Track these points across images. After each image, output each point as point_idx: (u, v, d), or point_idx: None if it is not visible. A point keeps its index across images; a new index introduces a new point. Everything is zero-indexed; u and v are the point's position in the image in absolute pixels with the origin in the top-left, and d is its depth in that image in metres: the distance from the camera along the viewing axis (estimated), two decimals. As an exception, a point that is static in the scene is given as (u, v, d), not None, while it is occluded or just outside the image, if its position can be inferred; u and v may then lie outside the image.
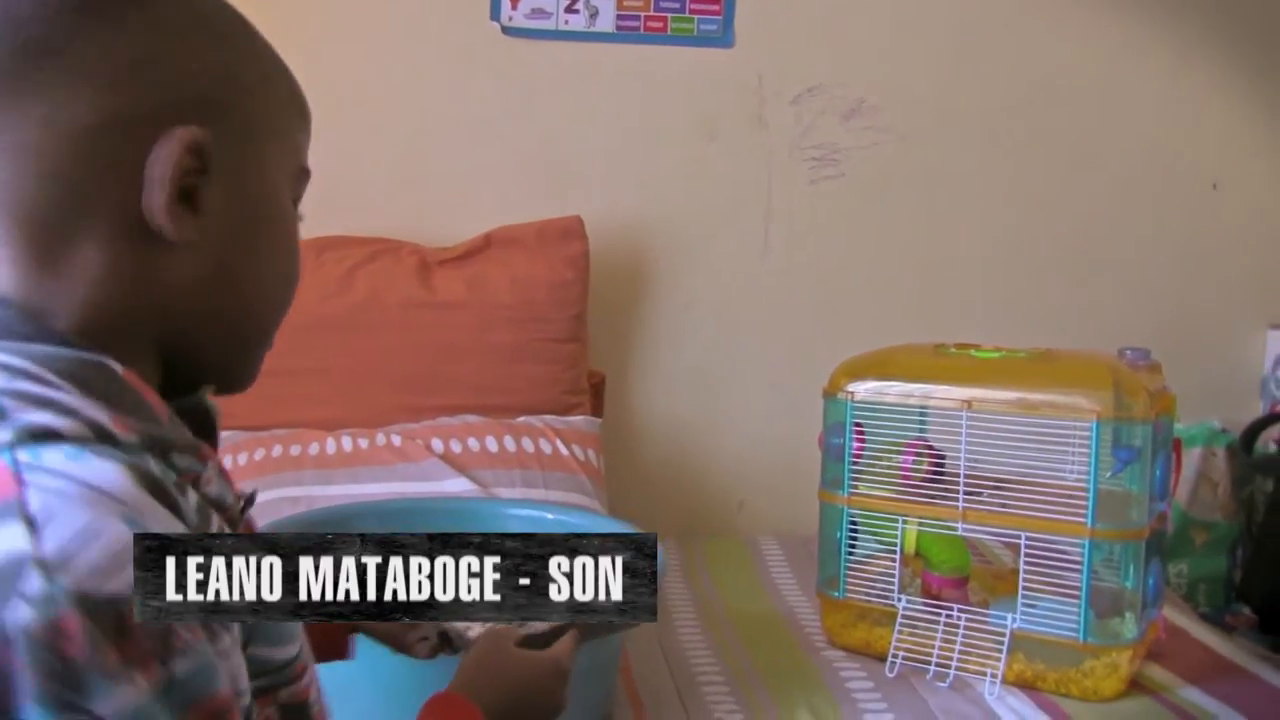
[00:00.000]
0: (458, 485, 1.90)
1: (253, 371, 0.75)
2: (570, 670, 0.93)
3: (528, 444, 2.01)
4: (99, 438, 0.57)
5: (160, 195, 0.62)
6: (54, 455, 0.55)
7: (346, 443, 1.97)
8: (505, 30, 2.34)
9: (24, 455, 0.55)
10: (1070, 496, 1.54)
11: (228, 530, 0.66)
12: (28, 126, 0.61)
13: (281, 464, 1.92)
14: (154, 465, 0.59)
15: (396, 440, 1.98)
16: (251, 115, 0.68)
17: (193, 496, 0.62)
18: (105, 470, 0.55)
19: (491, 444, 1.99)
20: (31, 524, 0.52)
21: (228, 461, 1.86)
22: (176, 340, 0.67)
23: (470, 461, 1.96)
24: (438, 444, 1.98)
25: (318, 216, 2.28)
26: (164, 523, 0.57)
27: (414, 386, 2.13)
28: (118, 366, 0.62)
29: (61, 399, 0.58)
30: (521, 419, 2.09)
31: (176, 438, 0.63)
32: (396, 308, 2.14)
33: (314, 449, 1.96)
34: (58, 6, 0.62)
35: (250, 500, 0.74)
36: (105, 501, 0.54)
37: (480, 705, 0.84)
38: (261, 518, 1.75)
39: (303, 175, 0.74)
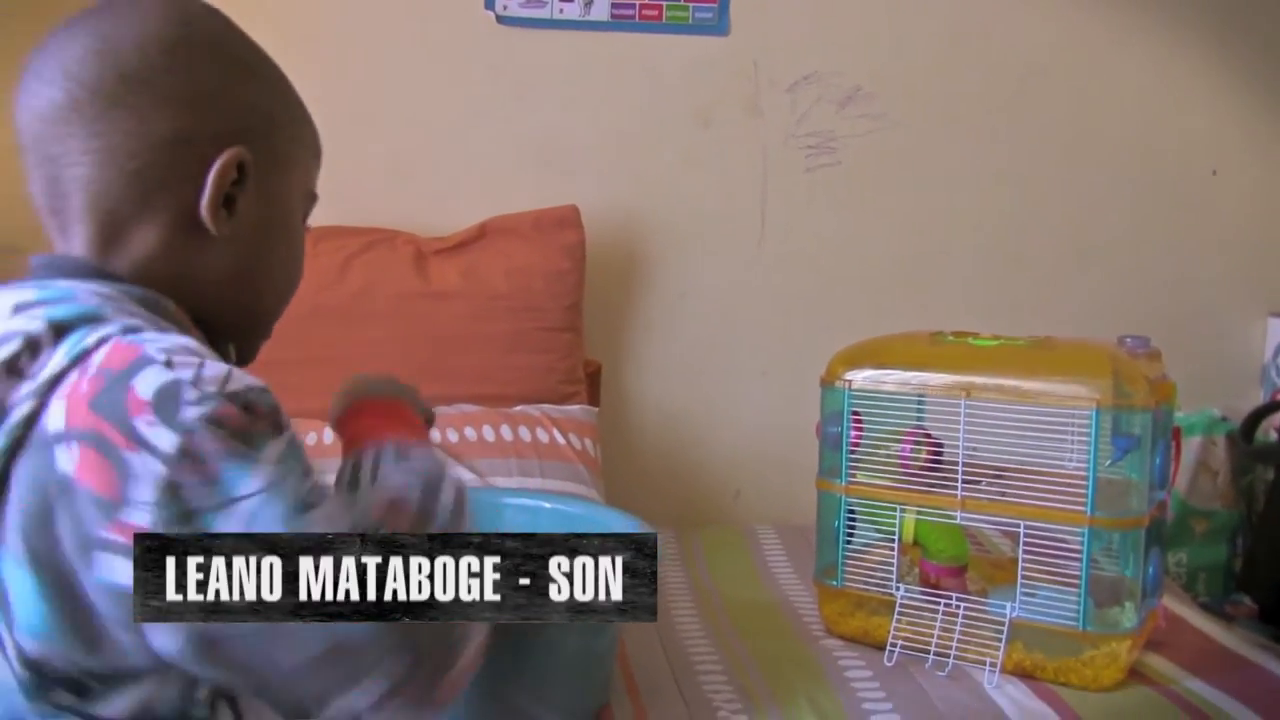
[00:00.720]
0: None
1: (254, 351, 0.95)
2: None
3: (524, 433, 2.01)
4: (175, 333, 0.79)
5: (210, 195, 0.83)
6: (149, 333, 0.77)
7: (342, 433, 1.96)
8: (500, 19, 2.33)
9: (129, 338, 0.75)
10: (1069, 485, 1.53)
11: None
12: (118, 135, 0.81)
13: (277, 454, 1.91)
14: None
15: (392, 430, 1.96)
16: (280, 145, 0.88)
17: None
18: (184, 340, 0.77)
19: (488, 433, 1.99)
20: (165, 364, 0.73)
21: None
22: (204, 312, 0.86)
23: (467, 450, 1.95)
24: (434, 433, 1.97)
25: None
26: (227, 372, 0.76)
27: (410, 376, 2.07)
28: (172, 304, 0.83)
29: (139, 313, 0.79)
30: (518, 408, 2.09)
31: (213, 355, 0.81)
32: (392, 298, 2.14)
33: (311, 439, 1.95)
34: (155, 48, 0.81)
35: None
36: (198, 347, 0.77)
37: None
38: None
39: (311, 199, 0.95)
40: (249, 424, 0.72)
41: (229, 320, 0.89)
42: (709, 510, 2.45)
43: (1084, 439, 1.52)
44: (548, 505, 1.67)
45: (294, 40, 2.27)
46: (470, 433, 1.98)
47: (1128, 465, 1.55)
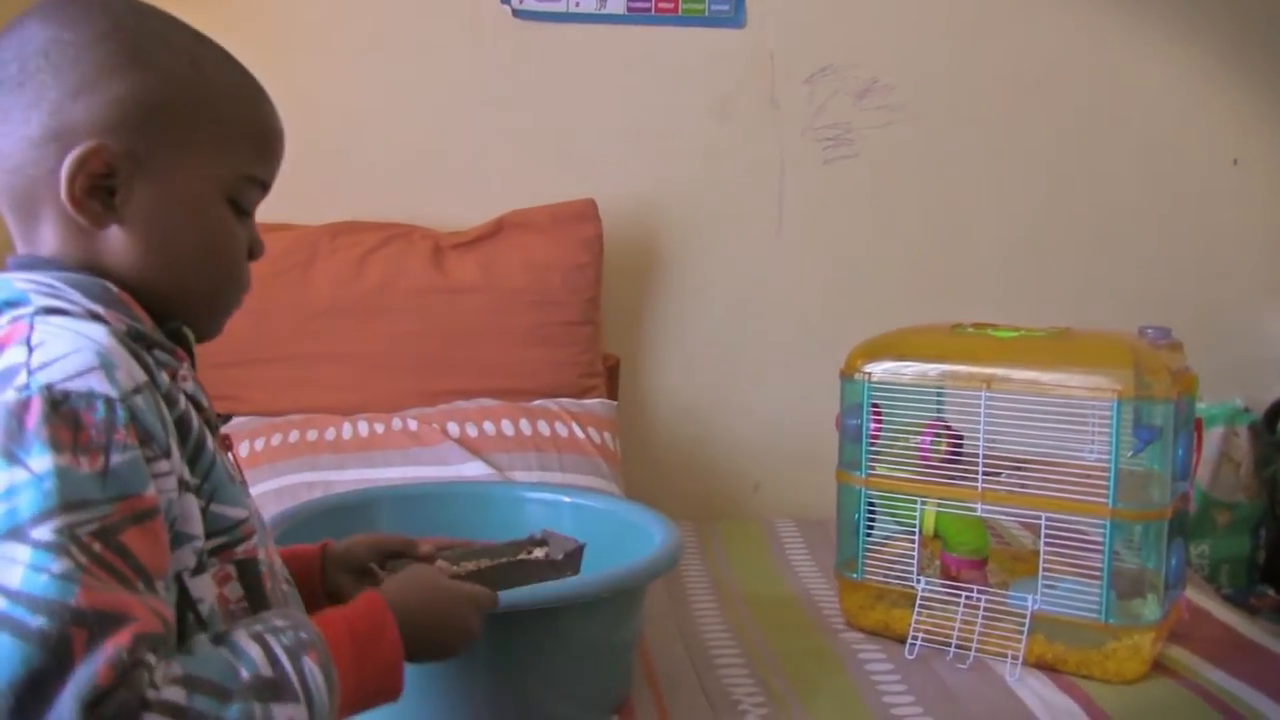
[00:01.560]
0: (474, 469, 1.89)
1: (207, 328, 0.92)
2: (487, 607, 1.00)
3: (543, 427, 2.01)
4: (93, 320, 0.79)
5: (65, 190, 0.82)
6: (58, 319, 0.78)
7: (362, 427, 1.97)
8: (516, 13, 2.33)
9: (38, 318, 0.78)
10: (1090, 477, 1.53)
11: (192, 408, 0.83)
12: (1, 137, 0.83)
13: (297, 449, 1.91)
14: (136, 348, 0.80)
15: (412, 425, 1.97)
16: (174, 134, 0.85)
17: (165, 377, 0.81)
18: (91, 327, 0.78)
19: (507, 427, 1.99)
20: (30, 348, 0.75)
21: (243, 448, 1.87)
22: (133, 293, 0.85)
23: (486, 445, 1.96)
24: (453, 428, 1.97)
25: (331, 203, 2.29)
26: (128, 364, 0.76)
27: (429, 371, 2.12)
28: (114, 286, 0.83)
29: (70, 296, 0.80)
30: (537, 402, 2.09)
31: (157, 338, 0.84)
32: (410, 293, 2.14)
33: (330, 434, 1.96)
34: (28, 51, 0.82)
35: (225, 418, 0.92)
36: (86, 341, 0.76)
37: (398, 602, 0.91)
38: (278, 503, 1.75)
39: (243, 182, 0.90)
40: (38, 423, 0.71)
41: (163, 302, 0.87)
42: (728, 503, 2.45)
43: (1105, 430, 1.51)
44: (568, 500, 1.67)
45: (310, 37, 2.29)
46: (489, 427, 1.99)
47: (1149, 457, 1.54)
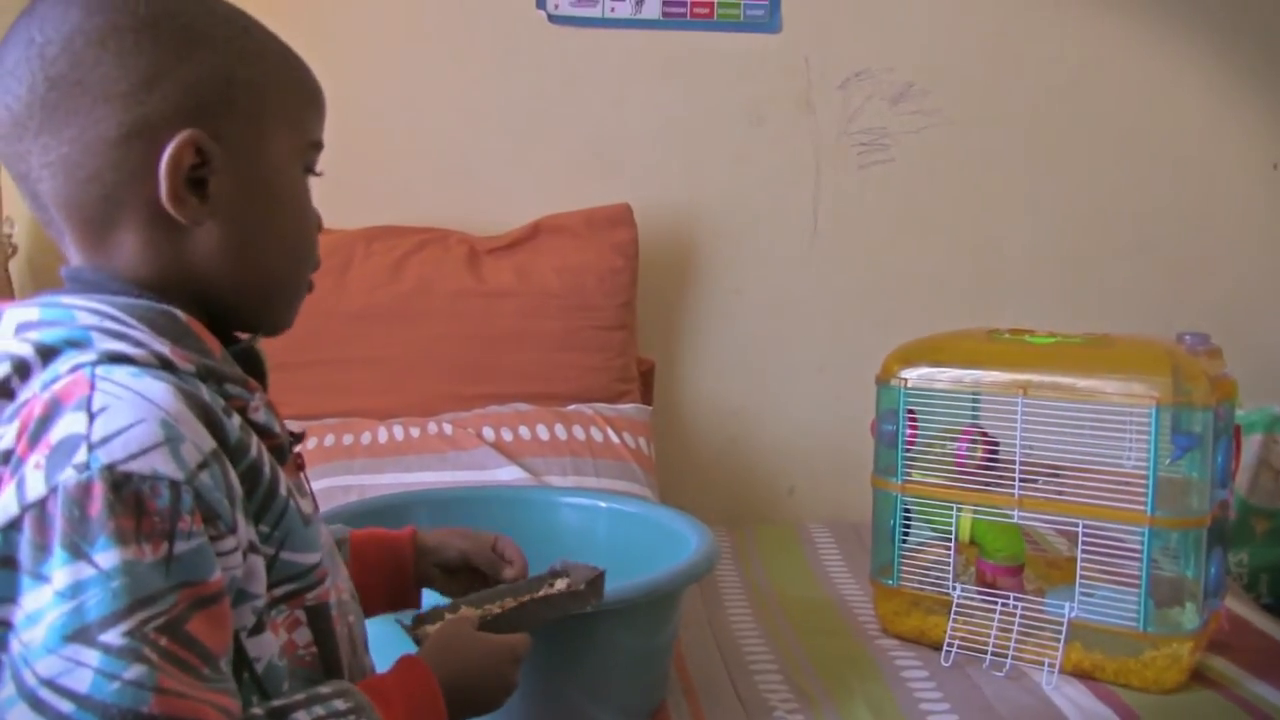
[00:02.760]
0: (509, 473, 1.90)
1: (286, 317, 0.89)
2: (523, 655, 0.98)
3: (578, 432, 2.01)
4: (160, 365, 0.74)
5: (166, 188, 0.77)
6: (121, 373, 0.72)
7: (398, 431, 1.98)
8: (551, 18, 2.34)
9: (100, 370, 0.72)
10: (1128, 484, 1.52)
11: (267, 453, 0.79)
12: (65, 145, 0.76)
13: (333, 453, 1.93)
14: (205, 390, 0.75)
15: (448, 429, 1.98)
16: (249, 109, 0.81)
17: (236, 420, 0.77)
18: (157, 387, 0.72)
19: (542, 432, 2.00)
20: (91, 415, 0.69)
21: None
22: (214, 297, 0.82)
23: (521, 450, 1.96)
24: (489, 432, 1.98)
25: (367, 207, 2.30)
26: (195, 432, 0.72)
27: (464, 375, 2.13)
28: (181, 314, 0.78)
29: (135, 334, 0.75)
30: (572, 407, 2.09)
31: (228, 371, 0.79)
32: (446, 297, 2.15)
33: (365, 438, 1.97)
34: (81, 43, 0.76)
35: (299, 437, 0.88)
36: (151, 408, 0.70)
37: (442, 671, 0.89)
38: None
39: (311, 148, 0.87)
40: (102, 512, 0.66)
41: (242, 298, 0.84)
42: (763, 508, 2.45)
43: (1143, 437, 1.50)
44: (603, 504, 1.68)
45: (345, 43, 2.31)
46: (524, 431, 1.99)
47: (1188, 464, 1.52)
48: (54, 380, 0.72)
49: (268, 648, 0.78)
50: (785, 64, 2.39)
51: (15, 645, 0.66)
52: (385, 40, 2.34)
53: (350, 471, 1.89)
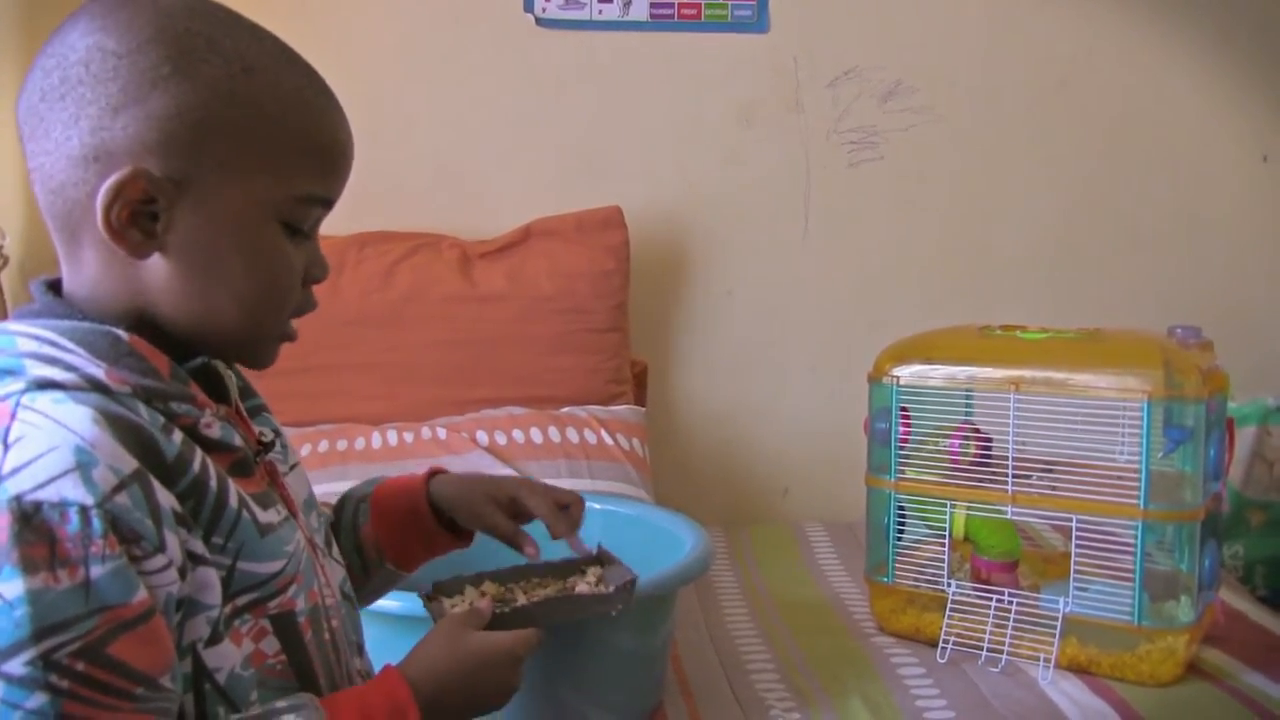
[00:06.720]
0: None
1: (252, 361, 0.87)
2: (526, 655, 0.96)
3: (572, 434, 2.02)
4: (92, 388, 0.74)
5: (101, 218, 0.76)
6: (45, 400, 0.72)
7: (392, 437, 1.98)
8: (539, 21, 2.34)
9: (25, 399, 0.72)
10: (1121, 478, 1.52)
11: (216, 467, 0.78)
12: (42, 154, 0.78)
13: (328, 459, 1.93)
14: (143, 410, 0.75)
15: (441, 433, 1.98)
16: (225, 151, 0.78)
17: (178, 437, 0.76)
18: (77, 413, 0.71)
19: (536, 435, 2.00)
20: (6, 447, 0.70)
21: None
22: (167, 327, 0.81)
23: (515, 453, 1.96)
24: (482, 436, 1.98)
25: (357, 213, 2.30)
26: (113, 455, 0.71)
27: (457, 379, 2.13)
28: (124, 334, 0.77)
29: (68, 359, 0.75)
30: (565, 409, 2.09)
31: (173, 389, 0.78)
32: (438, 301, 2.15)
33: (360, 443, 1.97)
34: (70, 60, 0.76)
35: (268, 446, 0.88)
36: (66, 435, 0.70)
37: (427, 677, 0.87)
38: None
39: (300, 203, 0.83)
40: (7, 543, 0.67)
41: (198, 338, 0.82)
42: (758, 508, 2.45)
43: (1136, 431, 1.50)
44: (598, 506, 1.67)
45: (333, 48, 2.30)
46: (518, 435, 1.99)
47: (1181, 457, 1.53)
48: None
49: (228, 658, 0.78)
50: (773, 64, 2.39)
51: None
52: (375, 46, 2.34)
53: (345, 477, 1.89)
